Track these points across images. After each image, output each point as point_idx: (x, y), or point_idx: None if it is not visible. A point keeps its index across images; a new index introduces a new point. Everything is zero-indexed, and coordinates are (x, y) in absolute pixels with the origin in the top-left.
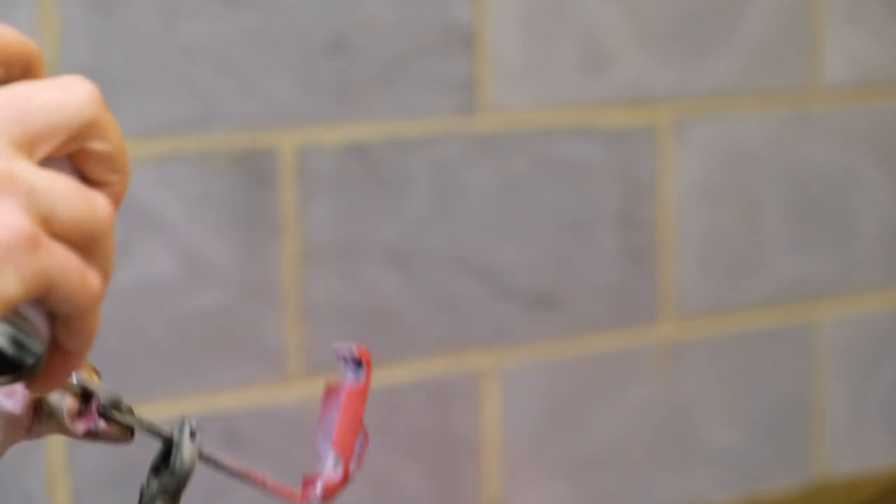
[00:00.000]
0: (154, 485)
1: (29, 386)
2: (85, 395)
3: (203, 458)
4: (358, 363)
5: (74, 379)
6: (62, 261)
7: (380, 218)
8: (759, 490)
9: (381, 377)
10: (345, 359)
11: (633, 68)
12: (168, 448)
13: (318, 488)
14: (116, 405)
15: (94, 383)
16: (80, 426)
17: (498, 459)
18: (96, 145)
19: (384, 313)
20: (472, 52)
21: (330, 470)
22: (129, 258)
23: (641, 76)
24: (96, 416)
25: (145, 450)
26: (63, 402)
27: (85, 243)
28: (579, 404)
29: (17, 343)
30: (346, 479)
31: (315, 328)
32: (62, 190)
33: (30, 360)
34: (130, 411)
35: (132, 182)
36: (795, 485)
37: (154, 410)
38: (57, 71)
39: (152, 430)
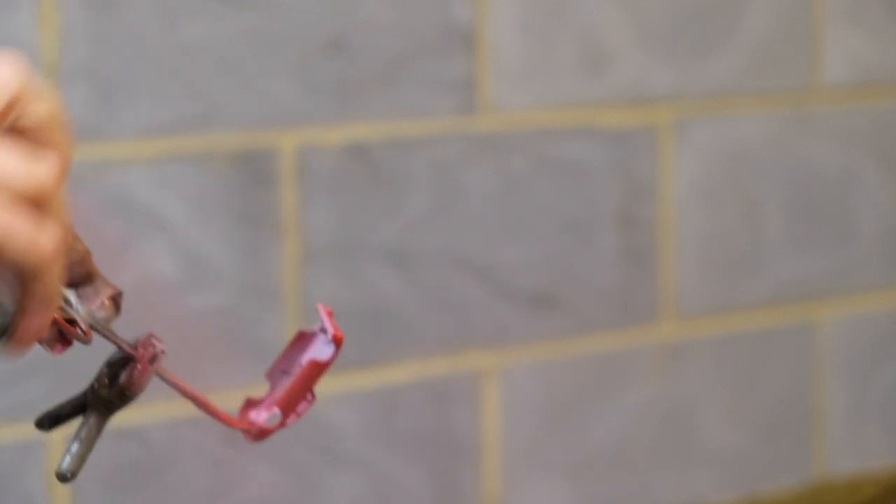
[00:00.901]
0: (104, 392)
1: (6, 346)
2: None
3: (158, 376)
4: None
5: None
6: (5, 225)
7: (380, 218)
8: (759, 490)
9: (381, 377)
10: (323, 329)
11: (633, 68)
12: (128, 361)
13: (254, 423)
14: (93, 323)
15: (71, 311)
16: (58, 351)
17: (498, 459)
18: (24, 121)
19: (384, 313)
20: (472, 52)
21: (266, 418)
22: (128, 258)
23: (641, 76)
24: (76, 335)
25: (145, 451)
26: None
27: (33, 204)
28: (579, 404)
29: None
30: (280, 428)
31: None
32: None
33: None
34: (105, 322)
35: (132, 182)
36: (795, 485)
37: (154, 410)
38: (57, 71)
39: (120, 347)
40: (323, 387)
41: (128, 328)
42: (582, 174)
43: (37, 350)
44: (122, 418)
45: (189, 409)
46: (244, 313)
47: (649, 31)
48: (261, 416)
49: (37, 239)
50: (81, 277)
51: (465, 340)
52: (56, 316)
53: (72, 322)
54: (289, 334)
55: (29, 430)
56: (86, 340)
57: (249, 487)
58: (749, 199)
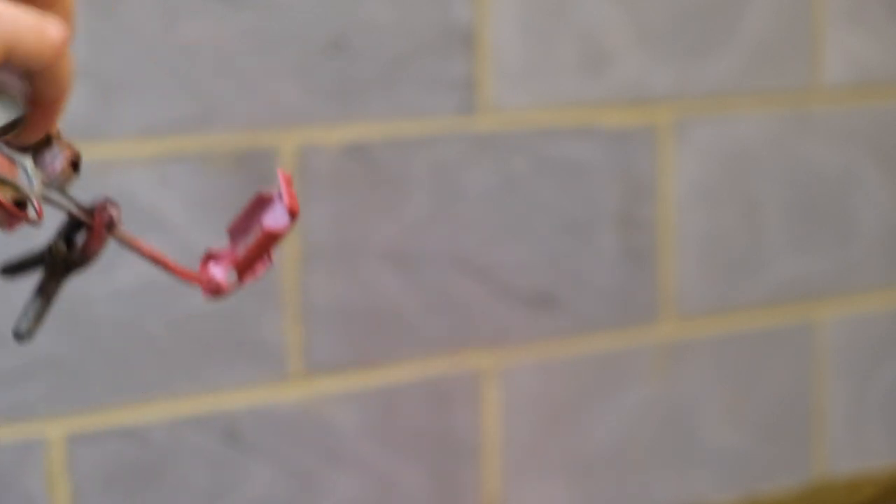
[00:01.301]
0: (61, 257)
1: (21, 138)
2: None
3: (116, 240)
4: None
5: None
6: (12, 24)
7: (380, 218)
8: (759, 490)
9: (381, 377)
10: (280, 195)
11: (633, 68)
12: (80, 225)
13: (212, 279)
14: (47, 193)
15: (24, 189)
16: (9, 229)
17: (498, 459)
18: None
19: (384, 313)
20: (472, 52)
21: (224, 276)
22: (129, 258)
23: (641, 76)
24: (26, 218)
25: (145, 451)
26: None
27: (40, 1)
28: (579, 404)
29: None
30: (238, 288)
31: (315, 328)
32: None
33: (12, 117)
34: (61, 186)
35: (132, 182)
36: (795, 485)
37: (154, 410)
38: None
39: (74, 216)
40: (323, 387)
41: (128, 327)
42: (582, 174)
43: (38, 351)
44: (122, 418)
45: (189, 408)
46: (244, 313)
47: (649, 31)
48: (219, 273)
49: (44, 31)
50: (40, 142)
51: (465, 340)
52: (3, 201)
53: (23, 205)
54: (289, 334)
55: (29, 429)
56: (36, 223)
57: (249, 487)
58: (749, 199)
